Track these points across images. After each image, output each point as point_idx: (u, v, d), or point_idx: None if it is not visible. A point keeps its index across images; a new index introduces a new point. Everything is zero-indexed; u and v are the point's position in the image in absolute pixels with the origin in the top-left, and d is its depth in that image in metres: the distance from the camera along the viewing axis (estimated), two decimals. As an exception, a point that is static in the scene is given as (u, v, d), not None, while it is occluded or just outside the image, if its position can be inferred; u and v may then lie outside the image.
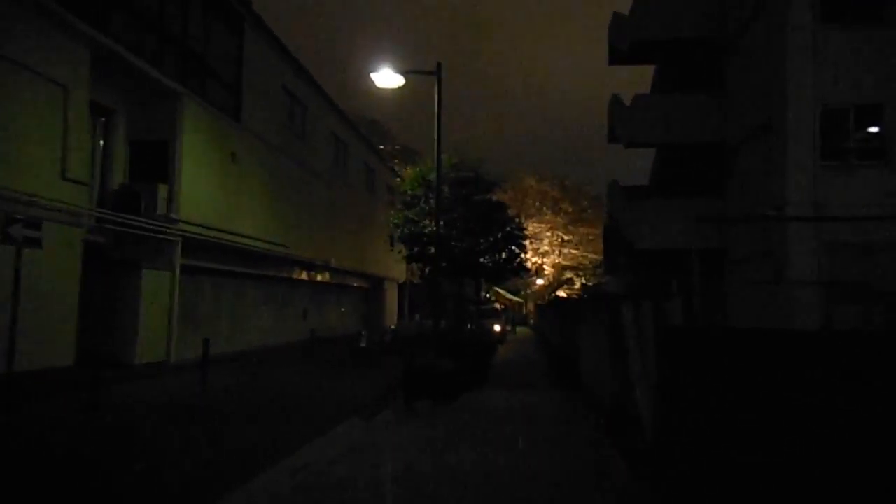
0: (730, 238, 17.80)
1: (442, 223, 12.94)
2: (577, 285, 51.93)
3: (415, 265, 36.25)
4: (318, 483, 5.30)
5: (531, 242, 41.79)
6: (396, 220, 16.15)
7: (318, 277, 23.60)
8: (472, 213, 15.41)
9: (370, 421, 8.18)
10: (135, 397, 10.36)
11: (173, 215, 13.00)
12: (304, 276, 22.27)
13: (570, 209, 50.12)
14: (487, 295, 54.10)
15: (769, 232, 15.41)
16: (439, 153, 11.47)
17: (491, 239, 18.10)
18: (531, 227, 45.27)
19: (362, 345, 23.28)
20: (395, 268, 34.19)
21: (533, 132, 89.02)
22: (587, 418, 8.30)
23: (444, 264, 15.71)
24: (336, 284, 26.38)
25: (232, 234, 15.61)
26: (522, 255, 21.47)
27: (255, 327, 18.34)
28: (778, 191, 14.47)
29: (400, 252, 17.93)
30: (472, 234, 15.07)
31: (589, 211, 50.68)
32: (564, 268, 50.95)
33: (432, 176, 12.90)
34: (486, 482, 5.36)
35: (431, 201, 13.83)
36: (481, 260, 19.97)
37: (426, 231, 14.49)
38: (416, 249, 16.22)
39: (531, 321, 50.45)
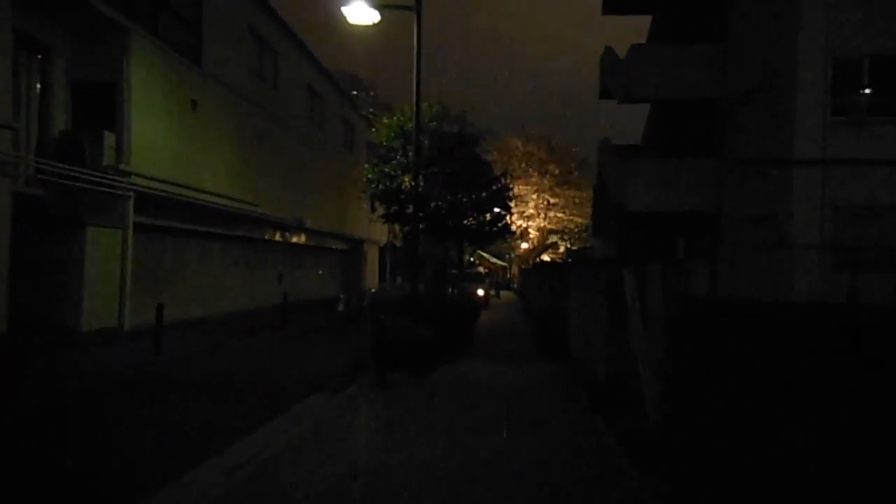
0: (728, 200, 16.90)
1: (421, 179, 11.80)
2: (562, 249, 51.23)
3: (396, 227, 35.24)
4: (258, 486, 4.33)
5: (516, 205, 40.74)
6: (371, 175, 14.51)
7: (294, 239, 22.43)
8: (455, 169, 14.02)
9: (334, 398, 7.21)
10: (74, 367, 9.29)
11: (123, 167, 11.71)
12: (278, 237, 21.09)
13: (557, 171, 48.98)
14: (472, 259, 53.31)
15: (772, 193, 14.51)
16: (418, 99, 10.25)
17: (474, 197, 16.94)
18: (517, 189, 44.17)
19: (340, 309, 22.37)
20: (375, 230, 33.05)
21: (520, 89, 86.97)
22: (578, 397, 7.40)
23: (422, 225, 14.59)
24: (313, 247, 25.24)
25: (195, 189, 14.36)
26: (508, 217, 20.42)
27: (224, 291, 17.23)
28: (785, 148, 13.49)
29: (376, 212, 16.37)
30: (454, 192, 13.72)
31: (576, 173, 49.61)
32: (550, 231, 50.12)
33: (411, 126, 11.61)
34: (462, 481, 4.42)
35: (410, 155, 12.52)
36: (465, 221, 18.90)
37: (403, 187, 13.13)
38: (393, 208, 14.90)
39: (515, 285, 49.82)
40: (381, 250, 38.33)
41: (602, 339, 7.11)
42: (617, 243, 20.51)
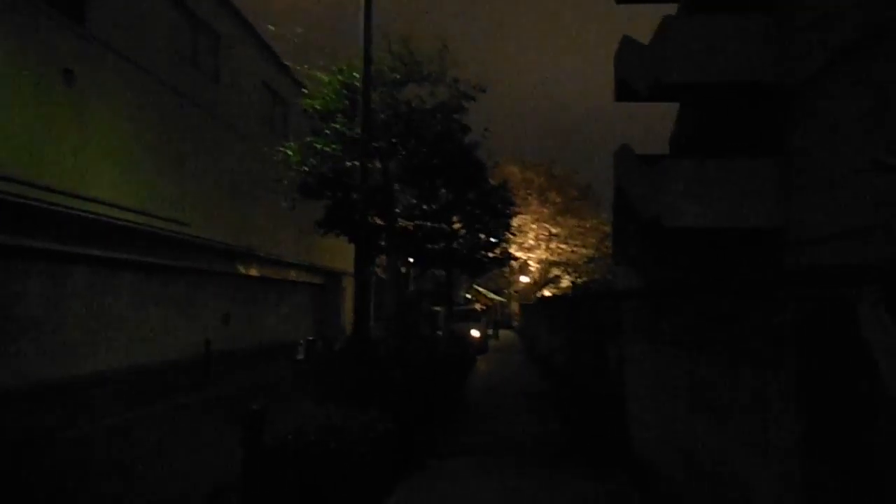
0: (796, 212, 12.89)
1: (378, 164, 7.73)
2: (566, 283, 47.08)
3: (384, 259, 30.99)
4: None
5: (515, 235, 36.74)
6: (291, 152, 9.25)
7: (247, 270, 18.26)
8: (430, 149, 9.39)
9: None
10: None
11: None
12: (223, 267, 16.94)
13: (559, 199, 45.20)
14: (468, 295, 49.07)
15: (863, 200, 10.54)
16: (368, 31, 6.25)
17: (460, 200, 12.60)
18: (515, 220, 40.26)
19: (299, 357, 18.00)
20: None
21: (518, 113, 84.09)
22: None
23: (384, 241, 10.43)
24: (276, 280, 21.07)
25: (76, 197, 10.30)
26: (508, 239, 16.33)
27: (133, 337, 12.96)
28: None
29: (293, 207, 10.90)
30: (429, 193, 9.33)
31: (578, 201, 45.89)
32: (552, 264, 46.04)
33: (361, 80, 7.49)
34: None
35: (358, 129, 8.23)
36: (454, 245, 14.76)
37: (347, 168, 8.49)
38: (325, 202, 10.02)
39: (515, 324, 45.47)
40: (365, 285, 34.15)
41: (790, 459, 2.96)
42: (644, 271, 16.38)
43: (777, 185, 13.13)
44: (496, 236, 16.02)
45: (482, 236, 15.32)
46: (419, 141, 8.07)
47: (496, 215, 15.41)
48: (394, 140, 7.94)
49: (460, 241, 15.05)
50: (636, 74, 15.08)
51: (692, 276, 13.53)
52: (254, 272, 18.89)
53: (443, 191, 11.71)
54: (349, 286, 29.54)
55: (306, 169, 7.98)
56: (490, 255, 16.95)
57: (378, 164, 7.54)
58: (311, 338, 16.70)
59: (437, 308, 19.67)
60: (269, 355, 17.62)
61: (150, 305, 13.73)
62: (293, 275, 22.81)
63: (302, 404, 5.27)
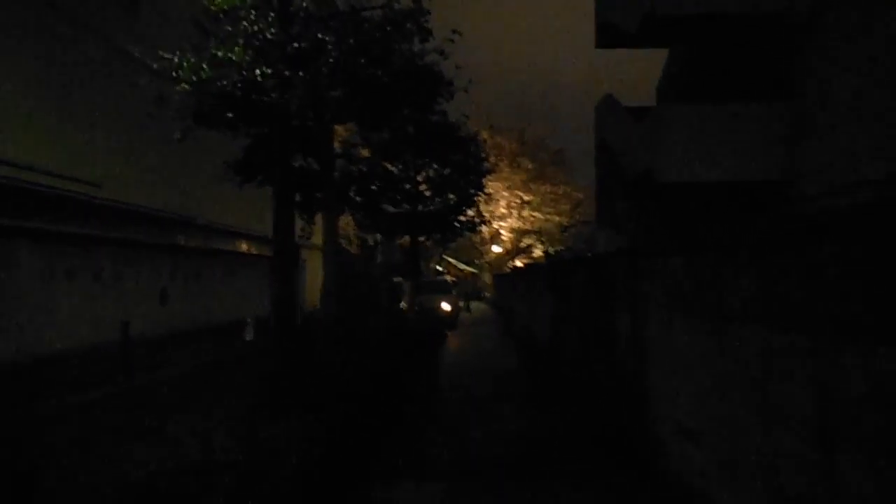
0: (806, 161, 11.36)
1: (300, 74, 5.67)
2: (538, 253, 45.67)
3: (351, 229, 29.08)
4: None
5: (488, 195, 34.82)
6: (184, 66, 6.78)
7: (184, 241, 16.16)
8: (373, 57, 6.90)
9: None
10: None
11: None
12: (159, 237, 14.84)
13: (530, 165, 43.46)
14: (439, 267, 47.37)
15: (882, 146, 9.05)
16: None
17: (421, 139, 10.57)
18: (487, 186, 38.39)
19: (248, 338, 16.10)
20: (317, 231, 26.91)
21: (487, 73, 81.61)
22: None
23: (321, 191, 8.49)
24: (224, 252, 18.99)
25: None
26: (481, 197, 14.52)
27: (38, 320, 10.88)
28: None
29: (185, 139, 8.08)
30: (371, 103, 6.84)
31: (551, 167, 44.25)
32: (524, 233, 44.52)
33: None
34: None
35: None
36: (421, 207, 12.90)
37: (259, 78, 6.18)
38: (251, 142, 7.41)
39: (487, 295, 44.02)
40: (286, 253, 32.10)
41: None
42: (632, 234, 14.79)
43: (785, 133, 11.57)
44: (466, 198, 14.21)
45: (451, 197, 13.52)
46: (360, 46, 6.09)
47: (466, 172, 13.57)
48: (322, 36, 5.93)
49: (427, 203, 13.22)
50: (625, 10, 13.25)
51: (678, 235, 11.89)
52: (197, 244, 16.79)
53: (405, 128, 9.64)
54: (311, 259, 27.50)
55: (195, 80, 5.93)
56: (461, 219, 15.16)
57: (301, 74, 5.63)
58: (251, 320, 14.80)
59: (399, 279, 17.85)
60: (215, 337, 15.65)
61: (61, 282, 11.61)
62: (245, 246, 20.73)
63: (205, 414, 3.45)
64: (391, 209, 12.39)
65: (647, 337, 4.39)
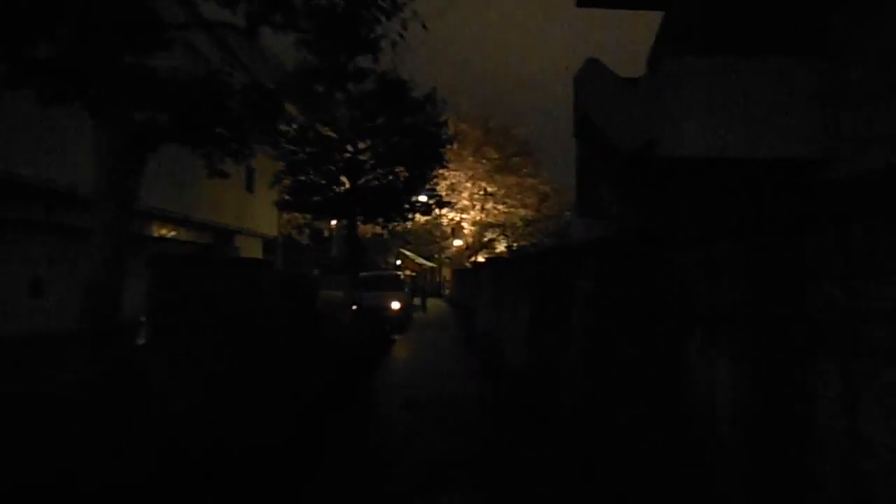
0: (846, 139, 9.02)
1: None
2: (501, 248, 43.31)
3: (299, 217, 25.92)
4: None
5: (447, 194, 32.05)
6: None
7: (74, 221, 12.96)
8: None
9: None
10: None
11: None
12: (33, 214, 11.70)
13: (495, 155, 41.00)
14: (398, 261, 44.54)
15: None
16: None
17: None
18: (449, 177, 35.76)
19: (142, 342, 12.99)
20: (260, 216, 23.82)
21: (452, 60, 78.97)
22: None
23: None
24: (132, 236, 15.70)
25: None
26: (440, 174, 11.80)
27: None
28: None
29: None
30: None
31: (517, 157, 41.88)
32: (487, 226, 42.08)
33: None
34: None
35: None
36: (362, 181, 10.06)
37: None
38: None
39: (446, 292, 41.42)
40: (270, 247, 28.94)
41: None
42: (620, 220, 12.28)
43: (820, 98, 9.22)
44: (420, 173, 11.42)
45: (400, 170, 10.76)
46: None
47: (423, 143, 10.80)
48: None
49: (370, 177, 10.42)
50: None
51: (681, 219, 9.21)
52: (85, 223, 13.56)
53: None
54: (247, 247, 24.30)
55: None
56: (414, 200, 12.39)
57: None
58: (145, 317, 11.79)
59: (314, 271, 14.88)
60: (104, 339, 12.47)
61: None
62: (162, 231, 17.52)
63: None
64: (318, 181, 9.54)
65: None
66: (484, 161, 40.89)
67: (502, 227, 42.01)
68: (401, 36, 6.25)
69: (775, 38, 9.91)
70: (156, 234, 17.09)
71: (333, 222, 30.83)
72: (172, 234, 17.80)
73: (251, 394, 4.32)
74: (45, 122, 11.52)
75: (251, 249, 24.96)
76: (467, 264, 37.28)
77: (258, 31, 5.43)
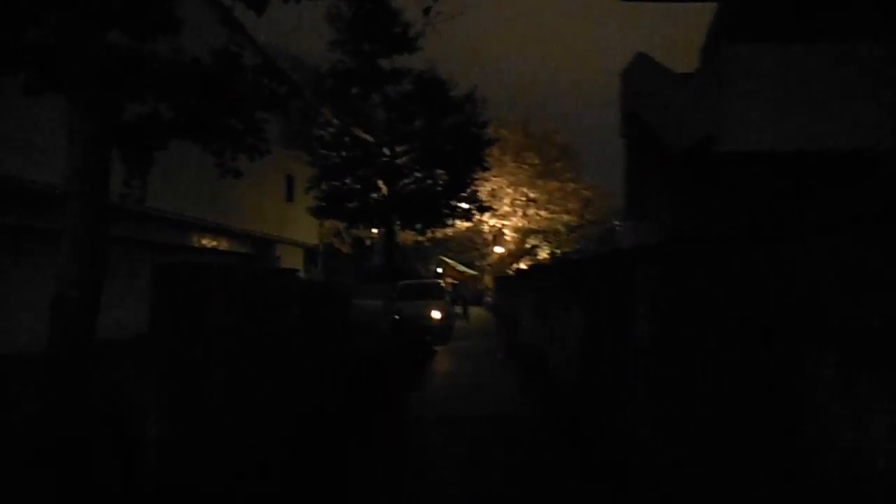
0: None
1: None
2: (544, 254, 42.39)
3: (341, 226, 25.75)
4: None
5: (488, 200, 31.40)
6: None
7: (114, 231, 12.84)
8: None
9: None
10: None
11: None
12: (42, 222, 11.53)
13: (537, 160, 40.20)
14: (439, 269, 44.15)
15: None
16: None
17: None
18: (490, 182, 35.19)
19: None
20: (300, 226, 23.71)
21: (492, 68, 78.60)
22: None
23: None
24: (172, 247, 15.76)
25: None
26: (482, 178, 11.28)
27: None
28: None
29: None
30: None
31: (558, 163, 40.98)
32: (529, 233, 41.26)
33: None
34: None
35: None
36: (401, 184, 9.64)
37: None
38: None
39: (488, 300, 40.71)
40: (311, 256, 28.92)
41: None
42: (673, 223, 11.48)
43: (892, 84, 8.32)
44: (462, 175, 10.92)
45: (440, 173, 10.29)
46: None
47: (463, 144, 10.29)
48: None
49: (408, 181, 9.99)
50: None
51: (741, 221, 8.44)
52: (121, 232, 13.54)
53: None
54: (288, 257, 24.26)
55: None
56: (455, 204, 11.87)
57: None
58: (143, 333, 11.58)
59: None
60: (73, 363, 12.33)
61: None
62: (203, 241, 17.50)
63: None
64: (354, 186, 9.12)
65: None
66: (525, 166, 40.16)
67: (545, 234, 41.14)
68: (433, 27, 5.79)
69: (840, 21, 9.05)
70: (196, 245, 17.07)
71: (375, 231, 30.61)
72: (213, 244, 17.76)
73: (247, 431, 3.84)
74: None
75: (292, 259, 24.90)
76: (509, 271, 36.57)
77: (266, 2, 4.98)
